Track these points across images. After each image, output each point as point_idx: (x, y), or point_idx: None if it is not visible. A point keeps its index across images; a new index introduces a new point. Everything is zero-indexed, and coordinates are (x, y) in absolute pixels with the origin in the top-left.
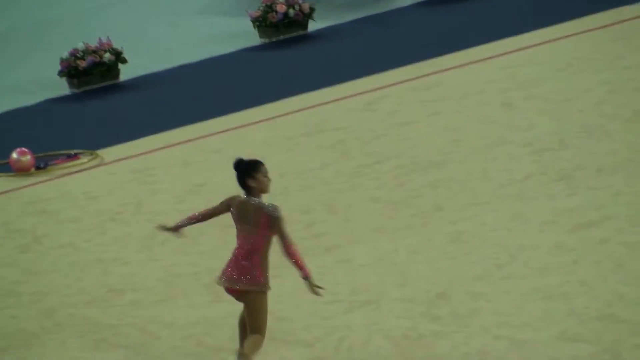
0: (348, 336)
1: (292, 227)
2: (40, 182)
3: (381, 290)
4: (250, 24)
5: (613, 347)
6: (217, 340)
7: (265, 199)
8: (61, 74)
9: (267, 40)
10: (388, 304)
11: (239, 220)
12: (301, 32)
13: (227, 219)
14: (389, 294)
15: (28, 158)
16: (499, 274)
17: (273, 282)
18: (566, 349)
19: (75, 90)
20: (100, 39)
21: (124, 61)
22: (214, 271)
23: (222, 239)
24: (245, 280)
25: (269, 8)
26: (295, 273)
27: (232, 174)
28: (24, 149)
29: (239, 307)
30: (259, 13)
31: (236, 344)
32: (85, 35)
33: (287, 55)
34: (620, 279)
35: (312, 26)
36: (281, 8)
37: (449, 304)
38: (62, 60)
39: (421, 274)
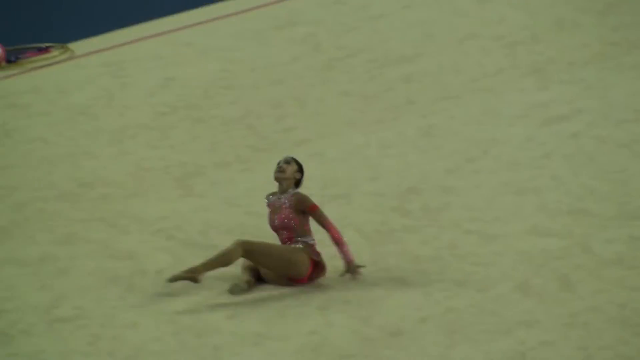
0: (319, 229)
1: (263, 121)
2: (10, 75)
3: (352, 185)
4: None
5: (583, 241)
6: (187, 234)
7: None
8: None
9: None
10: (359, 198)
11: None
12: None
13: (196, 110)
14: (360, 188)
15: None
16: (470, 168)
17: (243, 176)
18: (537, 243)
19: None
20: None
21: None
22: (184, 165)
23: (192, 133)
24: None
25: None
26: (265, 167)
27: (203, 68)
28: None
29: (209, 202)
30: None
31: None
32: None
33: None
34: (591, 173)
35: None
36: None
37: (419, 198)
38: None
39: (392, 168)
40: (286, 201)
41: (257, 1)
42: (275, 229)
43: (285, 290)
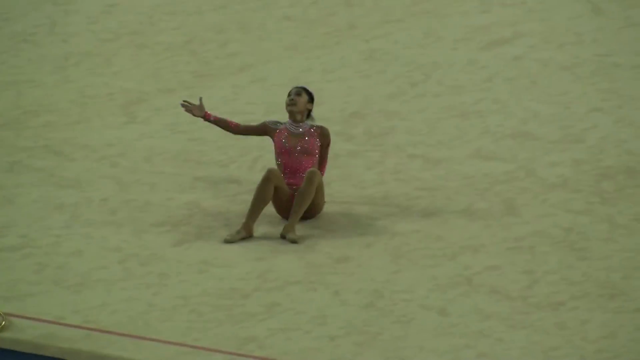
0: (262, 156)
1: (206, 47)
2: None
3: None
4: None
5: (527, 164)
6: (131, 162)
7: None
8: None
9: None
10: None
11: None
12: None
13: (140, 37)
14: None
15: None
16: (413, 92)
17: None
18: (480, 166)
19: None
20: None
21: None
22: (128, 92)
23: (135, 59)
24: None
25: None
26: (208, 93)
27: None
28: None
29: (153, 129)
30: None
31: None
32: None
33: None
34: (534, 96)
35: None
36: None
37: (363, 122)
38: None
39: (335, 93)
40: (312, 130)
41: None
42: (290, 153)
43: (231, 215)
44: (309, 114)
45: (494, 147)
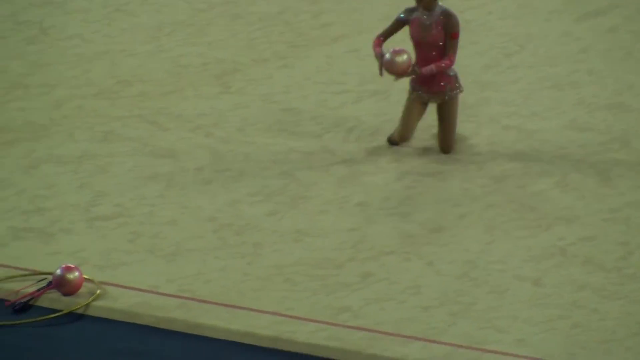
0: (357, 126)
1: (300, 17)
2: None
3: (390, 80)
4: None
5: (622, 135)
6: (225, 132)
7: None
8: None
9: None
10: (396, 95)
11: None
12: None
13: (234, 6)
14: (397, 84)
15: None
16: (507, 63)
17: (280, 73)
18: (575, 137)
19: None
20: None
21: None
22: (222, 62)
23: (229, 29)
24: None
25: None
26: (302, 63)
27: None
28: None
29: (247, 99)
30: None
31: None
32: None
33: None
34: (629, 67)
35: None
36: None
37: None
38: None
39: None
40: (439, 19)
41: None
42: (421, 45)
43: (325, 185)
44: None
45: (588, 118)
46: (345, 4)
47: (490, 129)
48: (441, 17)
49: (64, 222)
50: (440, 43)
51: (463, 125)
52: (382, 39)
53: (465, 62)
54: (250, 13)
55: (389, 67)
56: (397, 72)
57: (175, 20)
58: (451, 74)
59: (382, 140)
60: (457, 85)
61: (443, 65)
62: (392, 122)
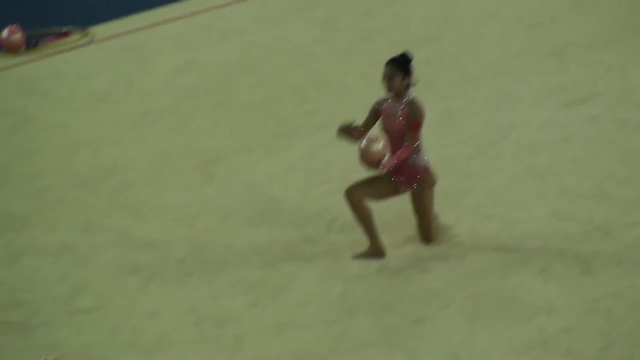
0: (340, 217)
1: (284, 105)
2: (30, 60)
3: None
4: None
5: (604, 225)
6: (208, 222)
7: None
8: None
9: None
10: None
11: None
12: None
13: (218, 95)
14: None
15: (18, 36)
16: (490, 153)
17: (264, 162)
18: (558, 227)
19: None
20: None
21: None
22: (205, 151)
23: (213, 117)
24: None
25: None
26: (286, 153)
27: (224, 52)
28: (14, 27)
29: (230, 188)
30: None
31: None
32: None
33: None
34: (611, 156)
35: None
36: None
37: (440, 182)
38: None
39: None
40: (402, 109)
41: None
42: (390, 135)
43: (307, 276)
44: (408, 86)
45: (570, 207)
46: (329, 92)
47: (472, 219)
48: (406, 107)
49: (42, 315)
50: (403, 133)
51: (445, 215)
52: (361, 129)
53: (448, 151)
54: (234, 101)
55: (364, 154)
56: (372, 161)
57: (159, 109)
58: (421, 165)
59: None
60: (426, 179)
61: (401, 156)
62: (375, 209)
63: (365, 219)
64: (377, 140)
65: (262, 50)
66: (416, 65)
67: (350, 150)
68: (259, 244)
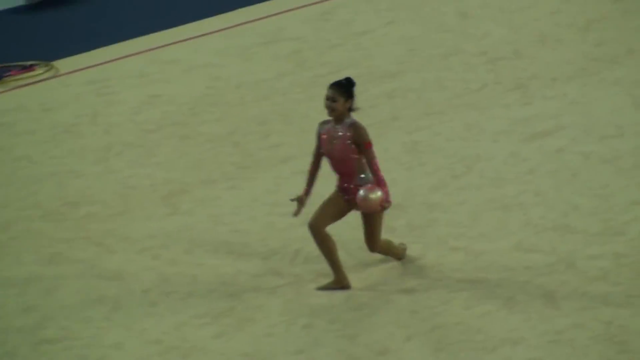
0: (304, 248)
1: (249, 138)
2: None
3: None
4: None
5: (568, 257)
6: (173, 253)
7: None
8: None
9: None
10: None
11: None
12: None
13: (182, 127)
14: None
15: None
16: (455, 185)
17: (229, 194)
18: (522, 259)
19: (30, 1)
20: None
21: None
22: (170, 183)
23: (178, 150)
24: None
25: None
26: (251, 185)
27: (189, 85)
28: None
29: (195, 220)
30: None
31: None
32: None
33: None
34: (575, 189)
35: None
36: None
37: (405, 215)
38: None
39: None
40: (345, 132)
41: (241, 18)
42: (332, 158)
43: (272, 307)
44: (350, 110)
45: (535, 239)
46: (294, 124)
47: (437, 251)
48: (350, 130)
49: (8, 346)
50: (347, 155)
51: (410, 247)
52: (316, 163)
53: (413, 184)
54: (199, 134)
55: (362, 203)
56: (370, 210)
57: (124, 141)
58: (367, 184)
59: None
60: None
61: (380, 178)
62: (340, 242)
63: (329, 252)
64: (375, 189)
65: (227, 84)
66: (380, 99)
67: (315, 183)
68: (224, 275)
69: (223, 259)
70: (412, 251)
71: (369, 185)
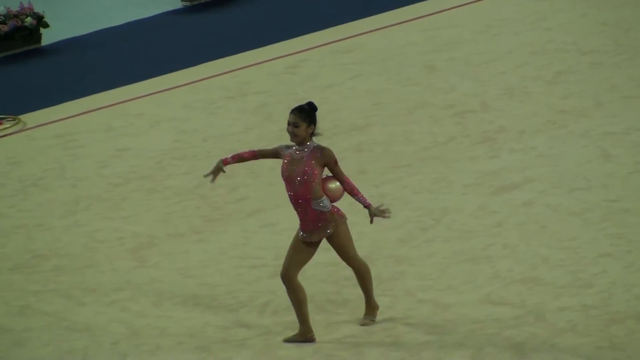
0: (272, 300)
1: (216, 191)
2: None
3: None
4: None
5: (537, 309)
6: (141, 306)
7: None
8: None
9: (188, 4)
10: (312, 269)
11: None
12: None
13: (149, 181)
14: (313, 258)
15: None
16: (423, 237)
17: (196, 247)
18: (490, 312)
19: None
20: (21, 2)
21: (46, 25)
22: (138, 236)
23: (145, 203)
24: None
25: None
26: (219, 238)
27: (156, 138)
28: None
29: (163, 273)
30: None
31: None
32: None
33: (209, 18)
34: (543, 241)
35: None
36: None
37: (372, 267)
38: None
39: None
40: (309, 154)
41: (207, 72)
42: (291, 182)
43: (241, 358)
44: (312, 135)
45: (503, 292)
46: (261, 177)
47: (405, 303)
48: (316, 151)
49: None
50: (308, 177)
51: (379, 299)
52: (254, 152)
53: (381, 237)
54: (166, 187)
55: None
56: (336, 198)
57: (91, 195)
58: (325, 210)
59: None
60: (333, 219)
61: (353, 185)
62: (308, 296)
63: (299, 303)
64: (330, 179)
65: (194, 137)
66: (347, 152)
67: (283, 235)
68: (193, 328)
69: (191, 311)
70: (380, 303)
71: (324, 177)
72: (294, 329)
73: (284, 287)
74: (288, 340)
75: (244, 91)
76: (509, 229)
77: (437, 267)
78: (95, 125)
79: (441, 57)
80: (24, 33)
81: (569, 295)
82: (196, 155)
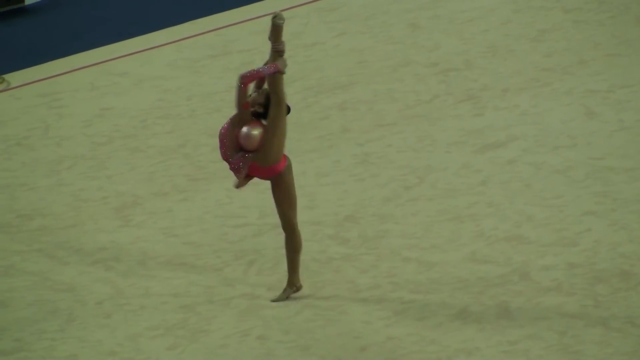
0: (257, 260)
1: (200, 150)
2: None
3: None
4: None
5: (521, 268)
6: (126, 265)
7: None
8: None
9: None
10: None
11: None
12: None
13: (133, 140)
14: (297, 216)
15: None
16: (407, 196)
17: (180, 206)
18: (475, 270)
19: None
20: None
21: None
22: (122, 195)
23: (129, 163)
24: None
25: None
26: (203, 197)
27: (139, 97)
28: None
29: (147, 232)
30: None
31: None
32: None
33: None
34: (527, 199)
35: None
36: None
37: (357, 226)
38: None
39: (329, 197)
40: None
41: (190, 30)
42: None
43: (225, 318)
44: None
45: (488, 250)
46: None
47: (390, 262)
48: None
49: None
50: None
51: (363, 258)
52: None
53: (365, 195)
54: (150, 146)
55: (245, 140)
56: (253, 147)
57: (76, 154)
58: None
59: (283, 273)
60: (240, 163)
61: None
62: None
63: (297, 251)
64: (255, 126)
65: (178, 96)
66: (331, 110)
67: (267, 194)
68: (177, 287)
69: (176, 270)
70: (364, 262)
71: (252, 122)
72: (279, 289)
73: (270, 245)
74: (277, 300)
75: (228, 49)
76: (493, 187)
77: (421, 226)
78: (80, 85)
79: (425, 15)
80: None
81: (554, 254)
82: (180, 114)
